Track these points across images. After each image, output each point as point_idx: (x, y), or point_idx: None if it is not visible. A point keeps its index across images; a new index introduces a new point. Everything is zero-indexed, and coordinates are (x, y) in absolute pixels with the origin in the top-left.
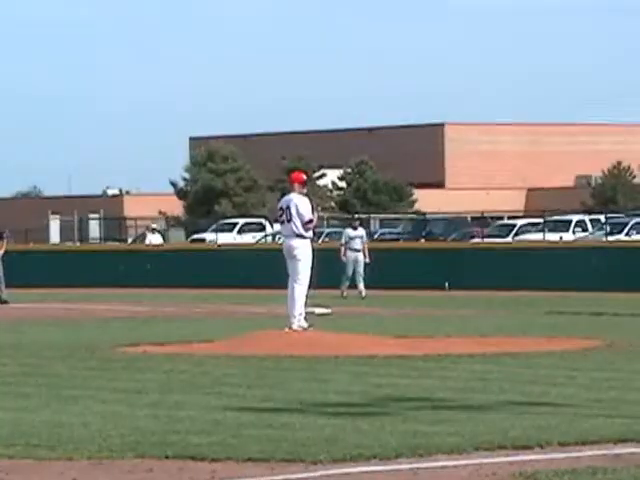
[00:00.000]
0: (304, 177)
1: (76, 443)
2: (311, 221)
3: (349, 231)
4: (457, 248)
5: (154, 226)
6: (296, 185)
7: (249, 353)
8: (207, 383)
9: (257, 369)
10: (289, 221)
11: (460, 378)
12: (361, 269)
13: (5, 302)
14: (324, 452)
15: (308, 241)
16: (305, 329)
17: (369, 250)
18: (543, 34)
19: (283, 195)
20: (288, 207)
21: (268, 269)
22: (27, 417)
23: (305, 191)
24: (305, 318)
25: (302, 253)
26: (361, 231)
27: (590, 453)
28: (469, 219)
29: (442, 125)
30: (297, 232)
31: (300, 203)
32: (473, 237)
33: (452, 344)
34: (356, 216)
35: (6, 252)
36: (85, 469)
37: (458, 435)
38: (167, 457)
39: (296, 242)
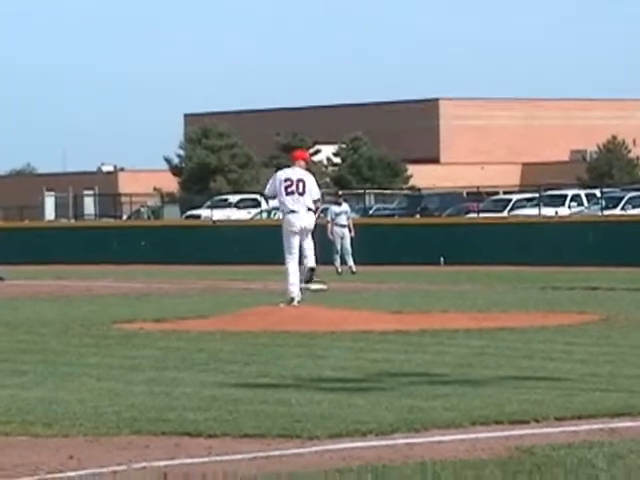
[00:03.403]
0: (308, 155)
1: (72, 420)
2: (319, 200)
3: (334, 208)
4: (452, 223)
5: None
6: (301, 162)
7: (244, 329)
8: (203, 359)
9: (252, 345)
10: (302, 194)
11: (456, 353)
12: (348, 244)
13: (0, 279)
14: (320, 428)
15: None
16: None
17: (364, 225)
18: (536, 10)
19: (278, 168)
20: (301, 180)
21: (263, 245)
22: (23, 394)
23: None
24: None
25: (313, 226)
26: (345, 206)
27: (586, 427)
28: (464, 194)
29: (436, 100)
30: (310, 206)
31: (312, 179)
32: (468, 212)
33: (448, 319)
34: (340, 192)
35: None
36: (81, 446)
37: (454, 410)
38: (163, 433)
39: (310, 216)
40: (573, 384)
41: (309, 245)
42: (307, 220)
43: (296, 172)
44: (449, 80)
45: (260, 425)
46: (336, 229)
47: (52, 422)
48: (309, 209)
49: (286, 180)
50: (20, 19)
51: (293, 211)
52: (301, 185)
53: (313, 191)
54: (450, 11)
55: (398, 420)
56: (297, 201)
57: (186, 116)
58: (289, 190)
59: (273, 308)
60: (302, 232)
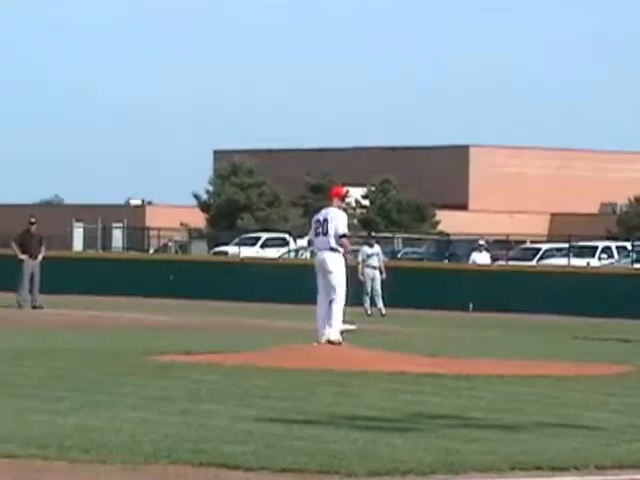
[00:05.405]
0: (343, 191)
1: (109, 447)
2: (345, 235)
3: (366, 249)
4: (482, 270)
5: (482, 242)
6: (335, 199)
7: (277, 366)
8: (236, 393)
9: (286, 381)
10: (325, 234)
11: (490, 398)
12: (379, 286)
13: (40, 307)
14: (359, 465)
15: (341, 255)
16: (340, 343)
17: (393, 268)
18: (572, 59)
19: (319, 209)
20: (326, 220)
21: (290, 284)
22: (59, 420)
23: (343, 205)
24: (341, 333)
25: (335, 267)
26: (377, 248)
27: (627, 477)
28: (492, 242)
29: (467, 147)
30: (332, 246)
31: (338, 216)
32: (497, 260)
33: (481, 365)
34: (372, 234)
35: (44, 258)
36: (119, 473)
37: (492, 454)
38: (201, 464)
39: (329, 255)
40: (611, 434)
41: (335, 310)
42: (325, 258)
43: (324, 212)
44: (481, 126)
45: (298, 460)
46: (367, 270)
47: (89, 449)
48: (332, 248)
49: (316, 222)
50: (61, 41)
51: (319, 251)
52: (325, 225)
53: (337, 228)
54: (485, 57)
55: (437, 461)
56: (321, 241)
57: (215, 152)
58: (317, 231)
59: (305, 346)
60: (321, 272)
